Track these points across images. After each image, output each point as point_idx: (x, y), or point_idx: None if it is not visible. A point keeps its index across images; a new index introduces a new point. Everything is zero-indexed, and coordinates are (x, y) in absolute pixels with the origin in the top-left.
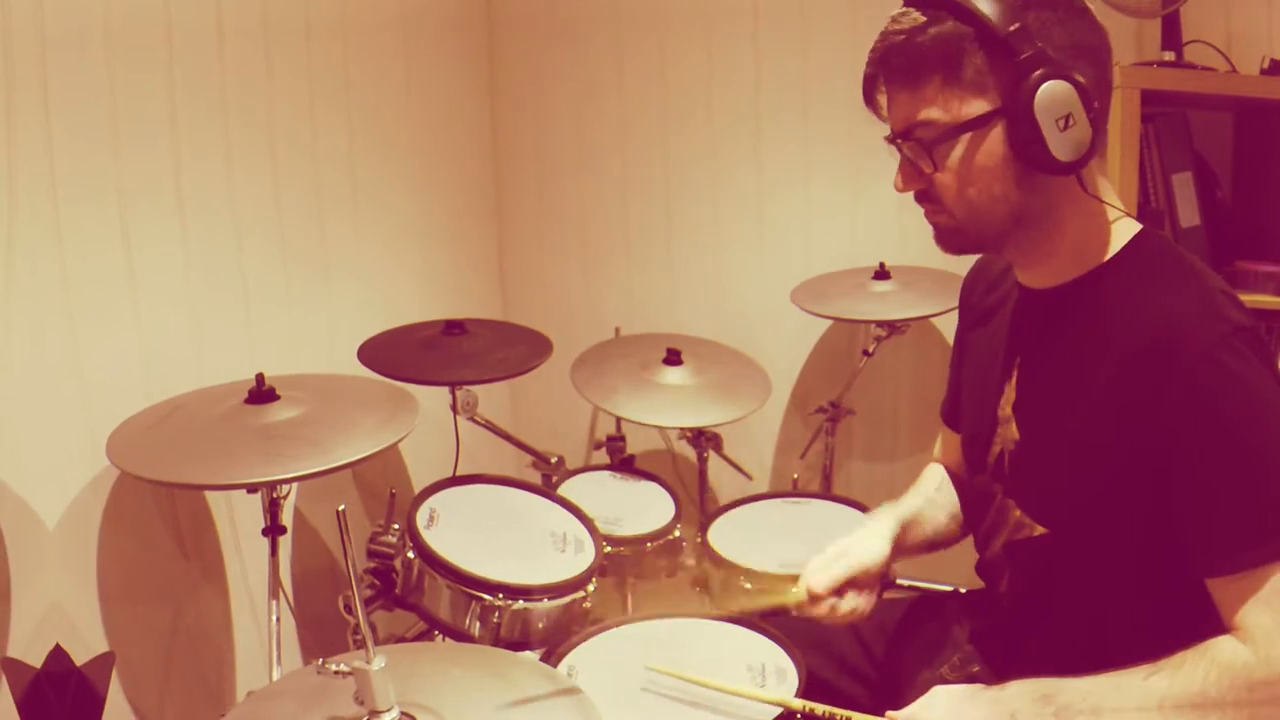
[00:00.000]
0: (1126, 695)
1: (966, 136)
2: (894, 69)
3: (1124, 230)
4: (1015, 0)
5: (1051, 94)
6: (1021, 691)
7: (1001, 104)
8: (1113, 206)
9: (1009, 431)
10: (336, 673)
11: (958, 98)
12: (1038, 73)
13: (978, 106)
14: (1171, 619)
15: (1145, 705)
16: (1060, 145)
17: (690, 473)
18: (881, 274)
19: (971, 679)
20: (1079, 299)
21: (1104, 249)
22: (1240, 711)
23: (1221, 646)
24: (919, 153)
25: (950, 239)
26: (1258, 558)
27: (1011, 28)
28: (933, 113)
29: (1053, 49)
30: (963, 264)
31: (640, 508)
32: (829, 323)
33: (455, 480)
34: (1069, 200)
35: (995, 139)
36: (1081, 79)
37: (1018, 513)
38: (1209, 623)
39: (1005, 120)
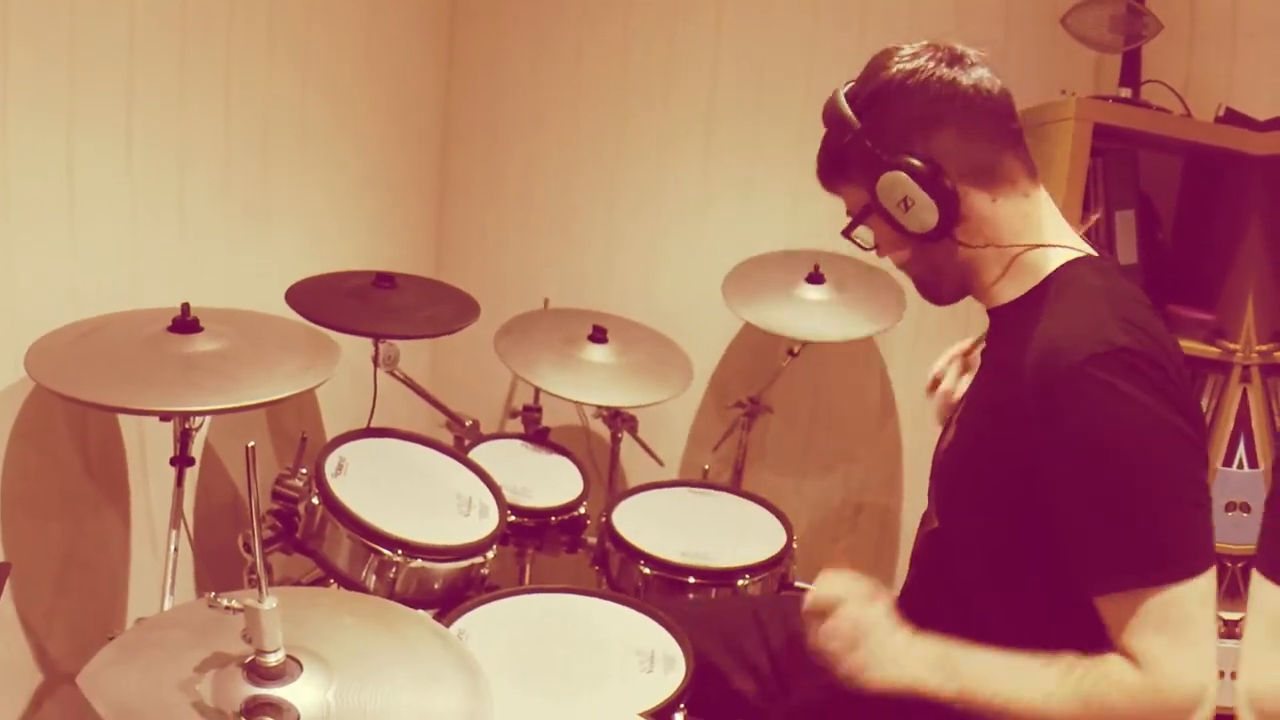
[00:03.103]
0: (1020, 676)
1: (872, 219)
2: (820, 173)
3: (1056, 260)
4: (865, 99)
5: (884, 184)
6: (926, 656)
7: (868, 195)
8: (1027, 246)
9: (949, 435)
10: (228, 608)
11: (854, 192)
12: (872, 169)
13: (861, 198)
14: (1038, 626)
15: (1034, 689)
16: (909, 221)
17: (602, 452)
18: (815, 277)
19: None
20: (1006, 322)
21: (1032, 279)
22: None
23: (1113, 663)
24: (853, 239)
25: (924, 293)
26: (1129, 581)
27: (856, 128)
28: (850, 204)
29: (898, 133)
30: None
31: (549, 480)
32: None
33: (368, 432)
34: (972, 250)
35: (879, 221)
36: (915, 162)
37: (932, 508)
38: (1077, 633)
39: (874, 211)
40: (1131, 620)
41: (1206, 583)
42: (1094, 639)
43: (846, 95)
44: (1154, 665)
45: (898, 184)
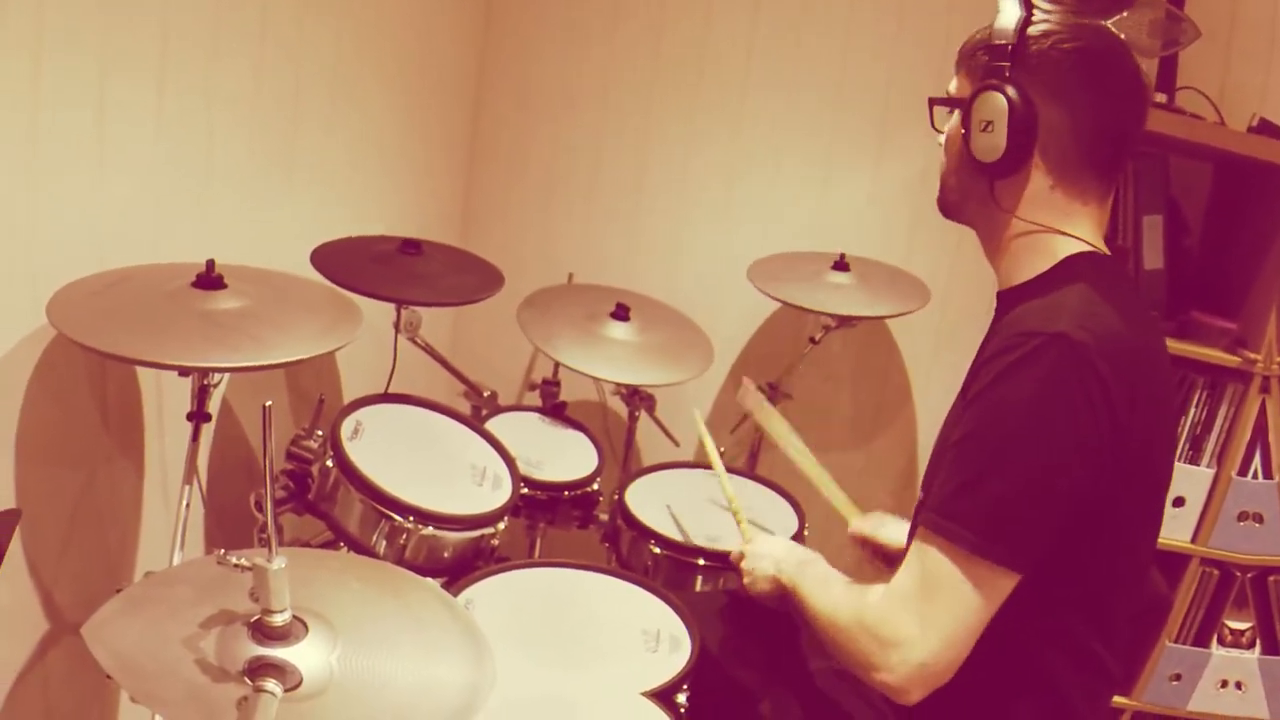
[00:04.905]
0: (823, 588)
1: (950, 112)
2: (962, 47)
3: (1061, 253)
4: (1041, 32)
5: (985, 99)
6: (802, 555)
7: (969, 94)
8: (1045, 228)
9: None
10: (236, 566)
11: (964, 82)
12: (991, 81)
13: (964, 90)
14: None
15: (825, 599)
16: (975, 141)
17: (618, 429)
18: (840, 265)
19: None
20: (1002, 307)
21: (1043, 263)
22: (846, 631)
23: (875, 588)
24: (931, 110)
25: (939, 195)
26: (927, 521)
27: (1017, 40)
28: (950, 87)
29: (1033, 75)
30: (919, 264)
31: (563, 455)
32: (780, 304)
33: (386, 397)
34: (1004, 204)
35: (958, 121)
36: (1014, 95)
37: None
38: (1037, 613)
39: (962, 109)
40: (910, 552)
41: (982, 569)
42: (1052, 623)
43: (1037, 8)
44: (885, 595)
45: (995, 108)
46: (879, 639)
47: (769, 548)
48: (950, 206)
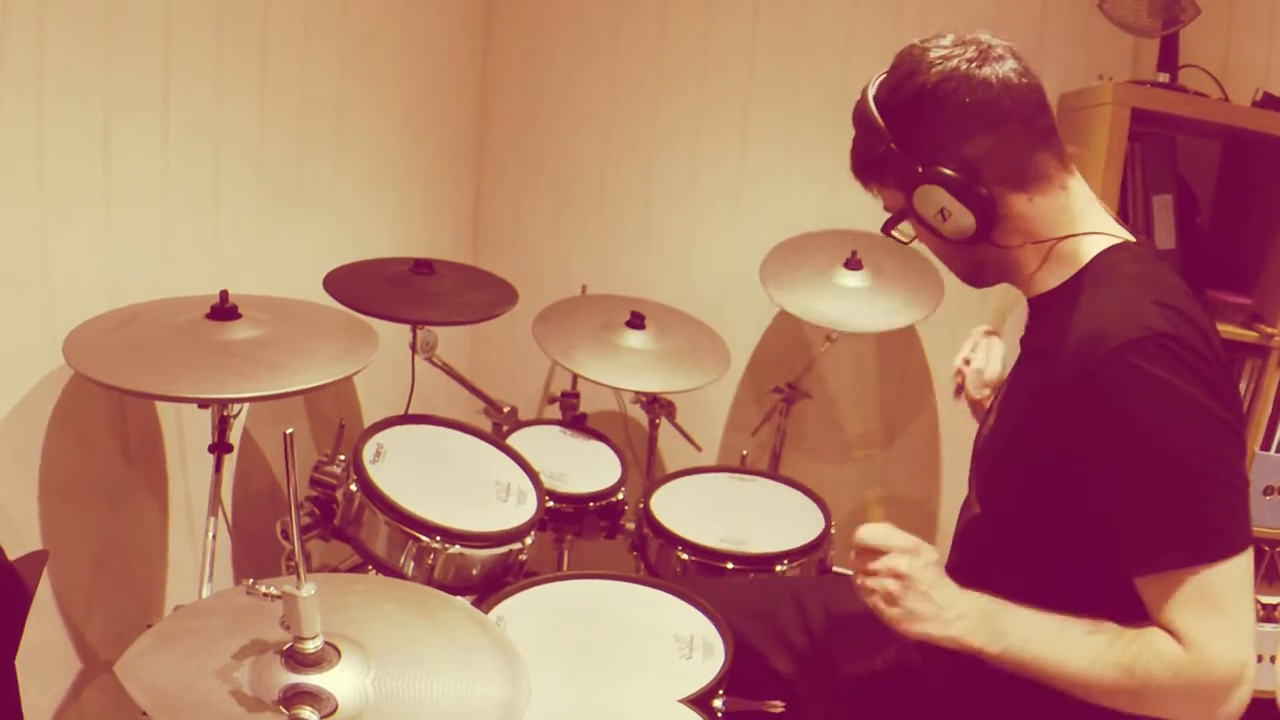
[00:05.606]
0: (1064, 642)
1: (910, 219)
2: (855, 172)
3: (1094, 247)
4: (896, 107)
5: (921, 197)
6: (975, 606)
7: (905, 200)
8: (1058, 238)
9: (989, 422)
10: (266, 595)
11: (890, 194)
12: (910, 179)
13: (897, 199)
14: (1080, 609)
15: (1078, 656)
16: (948, 229)
17: (640, 437)
18: (853, 263)
19: (905, 668)
20: (1046, 309)
21: (1070, 267)
22: (1162, 693)
23: (1157, 636)
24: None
25: (958, 277)
26: (1171, 561)
27: (888, 138)
28: (887, 202)
29: (931, 143)
30: (933, 258)
31: (587, 466)
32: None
33: (406, 418)
34: (1010, 243)
35: (917, 224)
36: (949, 173)
37: (973, 494)
38: (1121, 613)
39: (911, 217)
40: (1173, 599)
41: (1244, 563)
42: (1136, 621)
43: (876, 100)
44: (1197, 643)
45: (934, 195)
46: (1219, 686)
47: (936, 606)
48: (974, 282)
